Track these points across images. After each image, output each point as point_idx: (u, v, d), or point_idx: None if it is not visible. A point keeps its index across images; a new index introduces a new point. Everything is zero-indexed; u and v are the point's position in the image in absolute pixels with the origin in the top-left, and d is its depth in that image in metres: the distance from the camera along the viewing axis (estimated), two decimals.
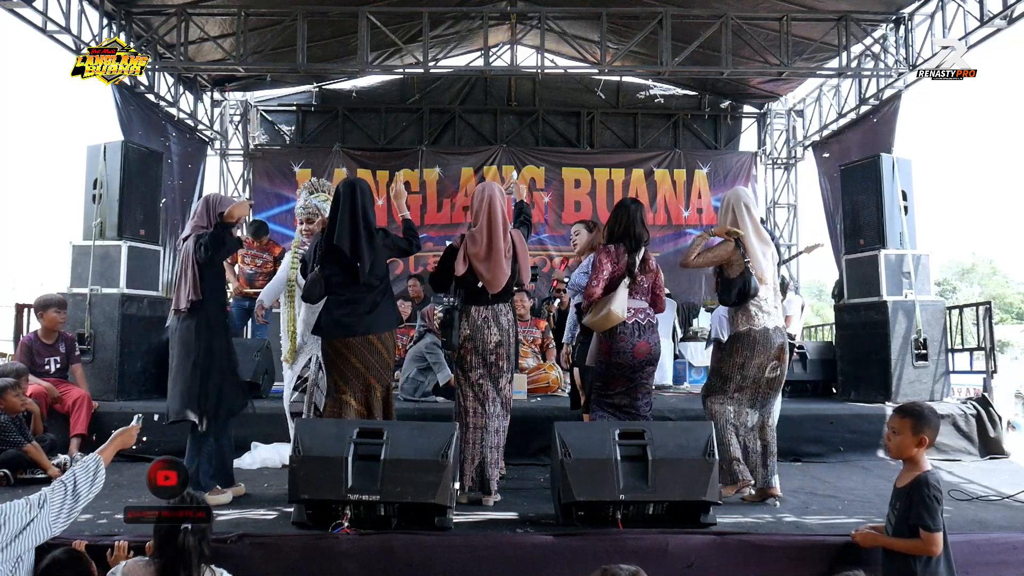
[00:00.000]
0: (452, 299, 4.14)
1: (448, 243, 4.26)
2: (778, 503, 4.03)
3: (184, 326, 4.01)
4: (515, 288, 4.32)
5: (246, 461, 5.04)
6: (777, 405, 4.40)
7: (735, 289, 4.06)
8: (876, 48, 8.21)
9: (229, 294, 7.11)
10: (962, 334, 6.72)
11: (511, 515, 3.80)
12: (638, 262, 4.12)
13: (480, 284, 4.01)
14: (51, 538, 2.70)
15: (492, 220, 3.99)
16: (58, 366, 5.52)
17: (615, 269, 4.09)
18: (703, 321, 8.69)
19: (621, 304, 4.03)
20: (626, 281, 4.07)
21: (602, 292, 4.06)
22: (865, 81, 8.73)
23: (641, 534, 3.28)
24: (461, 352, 4.06)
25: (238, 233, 4.75)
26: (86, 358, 5.85)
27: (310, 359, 4.45)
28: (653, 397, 4.36)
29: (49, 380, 5.38)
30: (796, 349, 7.21)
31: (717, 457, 3.46)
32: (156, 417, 5.47)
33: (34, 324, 5.75)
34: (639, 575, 2.13)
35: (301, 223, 4.62)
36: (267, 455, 5.06)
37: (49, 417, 5.25)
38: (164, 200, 8.10)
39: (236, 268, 7.77)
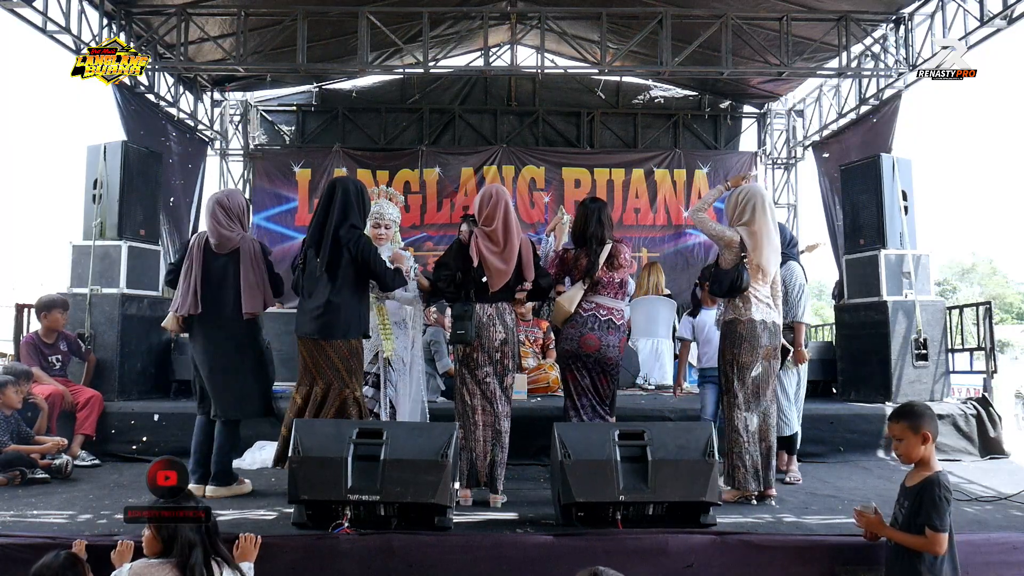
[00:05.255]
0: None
1: (456, 239, 4.20)
2: (774, 502, 4.06)
3: (249, 329, 4.22)
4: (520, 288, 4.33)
5: (246, 461, 5.04)
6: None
7: (727, 281, 4.07)
8: (876, 48, 8.21)
9: None
10: (962, 334, 6.72)
11: (511, 515, 3.80)
12: (600, 262, 4.14)
13: (484, 279, 4.02)
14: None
15: (507, 219, 4.05)
16: (60, 364, 5.54)
17: (575, 275, 4.21)
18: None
19: (569, 298, 4.16)
20: (582, 282, 4.16)
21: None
22: (865, 81, 8.72)
23: (641, 534, 3.28)
24: (467, 350, 4.05)
25: None
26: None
27: (376, 355, 4.40)
28: (601, 405, 4.22)
29: (56, 379, 5.39)
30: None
31: (717, 458, 3.46)
32: (156, 417, 5.52)
33: (34, 324, 5.76)
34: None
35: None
36: (267, 455, 5.06)
37: (59, 418, 5.25)
38: (172, 200, 8.13)
39: None
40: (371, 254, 3.93)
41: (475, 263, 4.01)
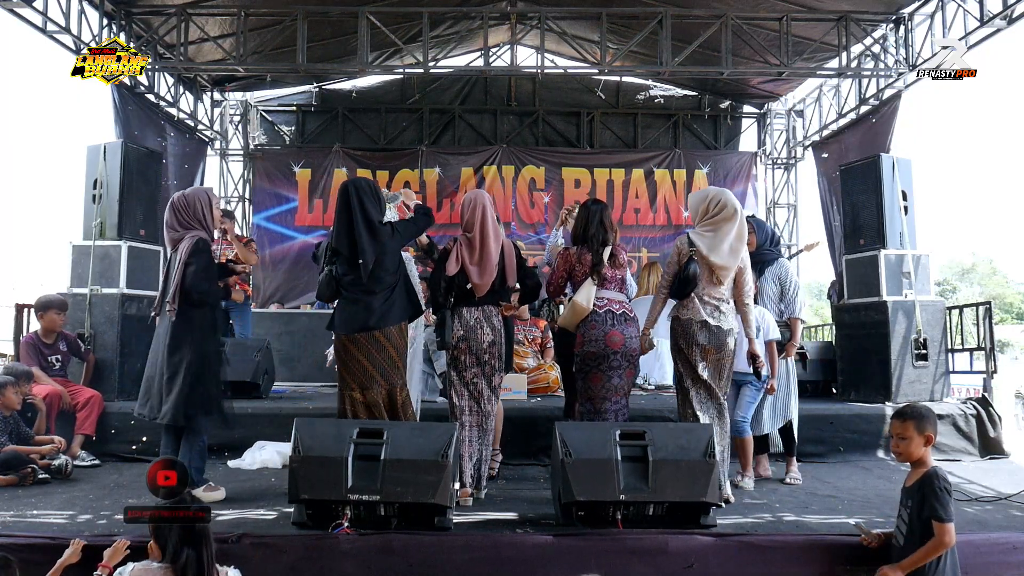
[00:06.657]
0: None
1: (442, 247, 4.34)
2: (775, 502, 4.06)
3: (186, 329, 4.01)
4: (514, 290, 4.36)
5: (246, 461, 5.04)
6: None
7: (677, 280, 4.01)
8: (876, 48, 8.21)
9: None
10: (962, 334, 6.72)
11: (511, 515, 3.80)
12: (605, 259, 4.15)
13: (468, 286, 4.09)
14: None
15: (484, 227, 4.11)
16: (59, 364, 5.53)
17: (578, 271, 4.18)
18: None
19: (586, 296, 4.11)
20: (591, 279, 4.14)
21: (555, 290, 4.30)
22: (865, 81, 8.73)
23: (641, 534, 3.28)
24: (455, 353, 4.12)
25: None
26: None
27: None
28: (626, 400, 4.24)
29: (56, 379, 5.38)
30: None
31: (718, 458, 3.46)
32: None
33: (34, 324, 5.76)
34: None
35: None
36: (267, 456, 5.06)
37: (58, 418, 5.24)
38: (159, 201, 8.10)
39: None
40: (409, 229, 4.11)
41: (455, 270, 4.08)
